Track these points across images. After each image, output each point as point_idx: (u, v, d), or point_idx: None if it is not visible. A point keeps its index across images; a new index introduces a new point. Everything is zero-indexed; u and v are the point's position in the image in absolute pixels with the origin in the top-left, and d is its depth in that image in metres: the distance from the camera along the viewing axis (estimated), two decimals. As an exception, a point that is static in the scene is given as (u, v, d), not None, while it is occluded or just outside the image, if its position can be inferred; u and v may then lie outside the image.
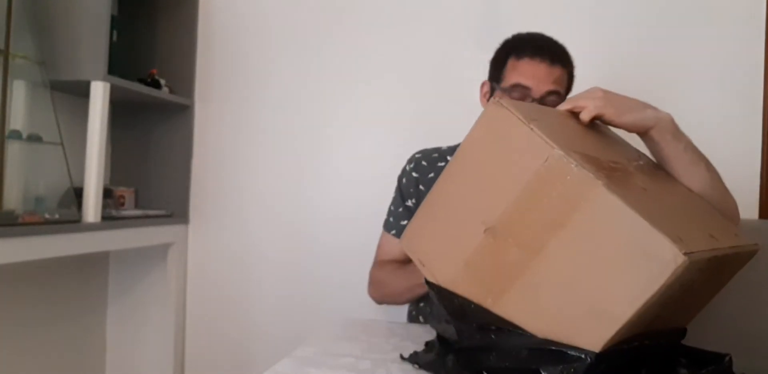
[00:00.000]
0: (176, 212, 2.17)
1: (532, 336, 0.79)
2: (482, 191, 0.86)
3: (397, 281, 1.42)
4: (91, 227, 1.74)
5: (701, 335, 1.62)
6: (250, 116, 2.18)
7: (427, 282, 0.94)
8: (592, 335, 0.74)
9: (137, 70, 2.02)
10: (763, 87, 1.84)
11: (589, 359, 0.74)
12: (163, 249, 2.16)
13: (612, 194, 0.72)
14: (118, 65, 1.84)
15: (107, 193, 1.90)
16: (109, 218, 1.84)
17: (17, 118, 1.65)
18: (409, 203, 1.47)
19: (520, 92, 1.30)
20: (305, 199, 2.12)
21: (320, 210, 2.09)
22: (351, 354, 1.01)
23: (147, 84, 1.99)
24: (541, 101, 1.30)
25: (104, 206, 1.81)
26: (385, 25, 2.07)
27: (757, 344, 1.60)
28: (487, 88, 1.43)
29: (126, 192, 2.08)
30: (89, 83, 1.75)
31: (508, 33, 1.48)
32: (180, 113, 2.18)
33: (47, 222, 1.61)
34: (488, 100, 1.39)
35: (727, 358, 0.88)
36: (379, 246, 1.52)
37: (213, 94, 2.21)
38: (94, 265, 2.18)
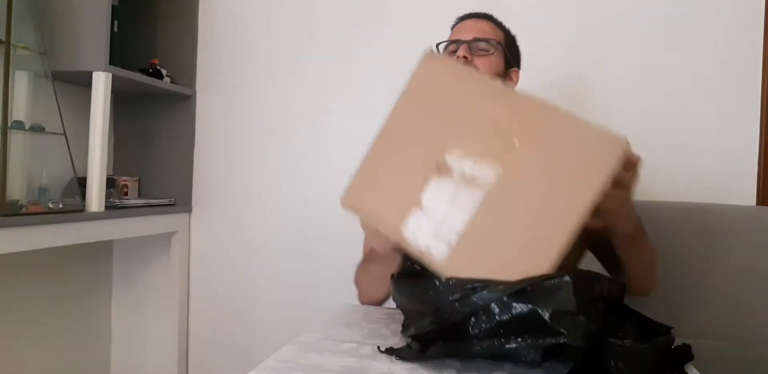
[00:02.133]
0: (179, 200, 2.18)
1: (502, 286, 0.81)
2: (427, 134, 0.90)
3: (368, 274, 1.40)
4: (95, 217, 1.75)
5: (704, 321, 1.64)
6: (252, 106, 2.19)
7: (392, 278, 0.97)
8: (552, 236, 0.79)
9: (139, 60, 2.03)
10: (761, 77, 1.84)
11: (567, 278, 0.79)
12: (166, 238, 2.18)
13: (557, 109, 0.82)
14: (119, 55, 1.84)
15: (110, 182, 1.91)
16: (113, 208, 1.86)
17: (20, 108, 1.66)
18: None
19: (452, 45, 1.40)
20: (306, 187, 2.14)
21: (320, 198, 2.10)
22: (352, 339, 1.03)
23: (148, 74, 2.00)
24: (470, 46, 1.37)
25: (107, 196, 1.83)
26: (383, 16, 2.08)
27: (758, 330, 1.62)
28: None
29: (129, 181, 2.09)
30: (91, 74, 1.76)
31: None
32: (182, 102, 2.19)
33: (51, 212, 1.62)
34: None
35: (672, 331, 0.90)
36: (364, 239, 1.50)
37: (214, 84, 2.22)
38: (99, 254, 2.19)
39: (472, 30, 1.43)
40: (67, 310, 2.04)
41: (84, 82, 1.79)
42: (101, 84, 1.76)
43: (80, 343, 2.12)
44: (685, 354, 0.94)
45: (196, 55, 2.21)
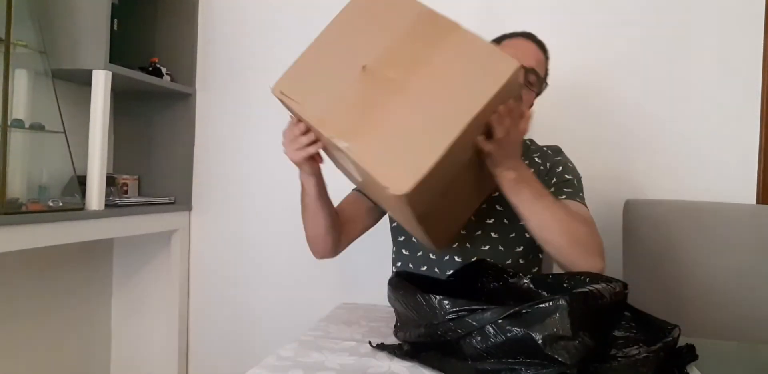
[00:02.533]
0: (179, 199, 2.18)
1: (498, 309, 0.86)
2: (359, 42, 1.03)
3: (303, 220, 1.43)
4: (95, 215, 1.75)
5: (704, 319, 1.64)
6: (251, 104, 2.19)
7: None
8: (443, 128, 0.91)
9: (138, 58, 2.03)
10: (762, 77, 1.85)
11: (562, 301, 0.83)
12: (166, 236, 2.18)
13: (467, 31, 0.96)
14: (119, 54, 1.84)
15: (110, 181, 1.91)
16: (113, 206, 1.86)
17: (19, 107, 1.66)
18: None
19: None
20: (307, 186, 2.13)
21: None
22: (352, 338, 1.03)
23: (148, 72, 2.00)
24: (524, 74, 1.35)
25: (108, 194, 1.83)
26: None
27: (758, 328, 1.62)
28: None
29: (129, 180, 2.09)
30: (91, 72, 1.76)
31: (502, 31, 1.50)
32: (181, 101, 2.18)
33: (51, 210, 1.62)
34: None
35: (676, 330, 0.91)
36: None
37: (214, 82, 2.22)
38: (99, 252, 2.20)
39: (533, 57, 1.41)
40: (67, 308, 2.04)
41: (84, 81, 1.79)
42: (101, 82, 1.76)
43: (80, 341, 2.12)
44: (689, 354, 0.94)
45: (196, 54, 2.21)
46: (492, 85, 0.92)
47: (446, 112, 0.92)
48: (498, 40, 1.46)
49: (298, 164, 1.21)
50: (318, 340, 1.01)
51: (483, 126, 1.01)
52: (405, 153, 0.92)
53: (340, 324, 1.13)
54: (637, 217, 1.75)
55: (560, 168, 1.43)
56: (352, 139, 0.95)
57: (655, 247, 1.72)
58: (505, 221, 1.38)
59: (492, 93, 0.92)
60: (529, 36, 1.44)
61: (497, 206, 1.38)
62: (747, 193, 1.85)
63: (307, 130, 1.09)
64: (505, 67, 0.91)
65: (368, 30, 1.02)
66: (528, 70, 1.37)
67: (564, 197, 1.36)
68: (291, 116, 1.14)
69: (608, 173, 1.89)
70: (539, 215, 1.18)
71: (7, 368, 1.82)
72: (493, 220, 1.39)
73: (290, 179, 2.15)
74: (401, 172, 0.90)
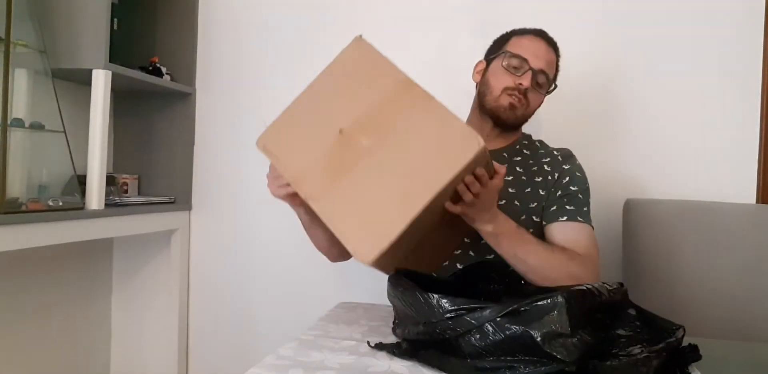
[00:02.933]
0: (179, 198, 2.18)
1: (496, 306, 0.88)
2: (339, 105, 1.09)
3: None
4: (95, 214, 1.75)
5: (704, 319, 1.64)
6: (251, 104, 2.19)
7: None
8: (408, 200, 0.96)
9: (138, 58, 2.03)
10: (762, 77, 1.85)
11: (560, 298, 0.84)
12: (166, 235, 2.18)
13: (439, 104, 1.00)
14: (119, 53, 1.84)
15: (110, 180, 1.91)
16: (113, 205, 1.86)
17: (19, 106, 1.65)
18: None
19: (519, 62, 1.39)
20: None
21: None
22: (352, 337, 1.03)
23: (148, 72, 2.00)
24: (534, 76, 1.38)
25: (107, 194, 1.83)
26: (384, 15, 2.07)
27: (758, 328, 1.62)
28: (482, 66, 1.50)
29: (129, 179, 2.09)
30: (91, 71, 1.76)
31: (503, 24, 1.50)
32: (181, 100, 2.18)
33: (51, 209, 1.62)
34: (481, 74, 1.48)
35: (680, 331, 0.91)
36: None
37: (214, 81, 2.22)
38: (99, 252, 2.20)
39: (543, 58, 1.42)
40: (67, 308, 2.04)
41: (84, 80, 1.79)
42: (101, 82, 1.76)
43: (80, 340, 2.12)
44: (692, 354, 0.94)
45: (196, 53, 2.21)
46: (456, 163, 0.97)
47: (412, 184, 0.97)
48: (507, 36, 1.47)
49: (282, 199, 1.25)
50: (318, 339, 1.02)
51: (452, 191, 1.07)
52: (372, 222, 0.98)
53: (340, 324, 1.13)
54: (637, 216, 1.75)
55: (567, 179, 1.43)
56: (323, 201, 1.02)
57: (655, 246, 1.71)
58: None
59: (456, 170, 0.97)
60: (540, 34, 1.44)
61: None
62: (747, 192, 1.85)
63: None
64: (470, 146, 0.96)
65: (350, 91, 1.08)
66: (538, 72, 1.39)
67: (565, 218, 1.37)
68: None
69: (608, 173, 1.89)
70: (523, 263, 1.22)
71: (7, 367, 1.82)
72: None
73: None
74: (367, 241, 0.97)
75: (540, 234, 1.39)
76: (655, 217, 1.74)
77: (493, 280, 1.22)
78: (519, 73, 1.38)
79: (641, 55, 1.90)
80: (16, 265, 1.83)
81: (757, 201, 1.84)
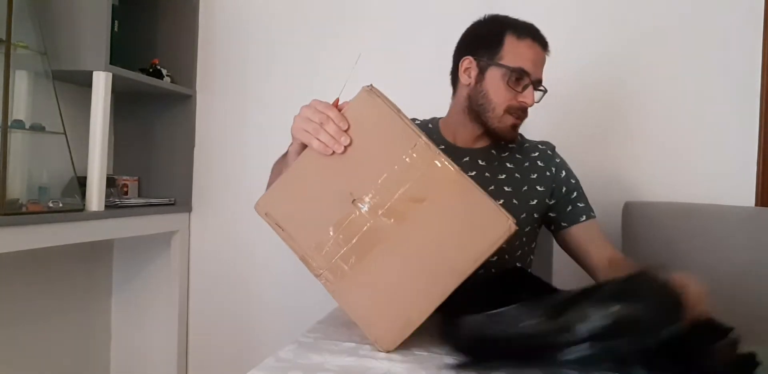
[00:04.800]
0: (179, 200, 2.18)
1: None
2: (352, 168, 0.96)
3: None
4: (95, 216, 1.75)
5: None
6: (251, 105, 2.19)
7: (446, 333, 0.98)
8: (435, 288, 0.91)
9: (139, 60, 2.03)
10: (761, 78, 1.85)
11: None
12: (166, 237, 2.18)
13: (465, 178, 0.91)
14: (119, 55, 1.84)
15: (110, 182, 1.91)
16: (113, 207, 1.86)
17: (20, 108, 1.66)
18: None
19: (520, 77, 1.29)
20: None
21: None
22: (351, 339, 1.03)
23: (149, 74, 2.00)
24: (535, 88, 1.32)
25: (108, 195, 1.83)
26: (385, 15, 2.08)
27: (757, 331, 1.62)
28: (470, 64, 1.35)
29: (129, 181, 2.09)
30: (91, 73, 1.76)
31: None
32: (182, 102, 2.19)
33: (51, 211, 1.63)
34: (473, 77, 1.34)
35: (733, 332, 0.91)
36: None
37: (214, 83, 2.22)
38: (99, 253, 2.20)
39: (541, 65, 1.33)
40: (67, 309, 2.04)
41: (84, 82, 1.79)
42: (101, 84, 1.76)
43: (80, 342, 2.12)
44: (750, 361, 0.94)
45: (196, 55, 2.21)
46: (485, 249, 0.90)
47: (437, 271, 0.91)
48: (500, 33, 1.32)
49: (296, 141, 1.04)
50: (317, 342, 1.02)
51: None
52: (393, 309, 0.93)
53: (339, 326, 1.13)
54: (636, 219, 1.75)
55: (564, 173, 1.44)
56: (339, 283, 0.96)
57: (654, 249, 1.71)
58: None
59: (484, 258, 0.90)
60: (536, 37, 1.32)
61: None
62: (746, 195, 1.86)
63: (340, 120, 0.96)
64: (501, 230, 0.89)
65: (362, 152, 0.95)
66: (537, 82, 1.32)
67: (584, 217, 1.40)
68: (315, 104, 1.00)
69: (607, 175, 1.89)
70: None
71: (7, 369, 1.82)
72: None
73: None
74: (388, 330, 0.93)
75: (535, 229, 1.43)
76: (654, 220, 1.74)
77: (522, 288, 1.17)
78: (520, 89, 1.29)
79: (639, 57, 1.90)
80: (16, 266, 1.83)
81: (756, 204, 1.84)
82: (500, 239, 0.89)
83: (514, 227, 0.89)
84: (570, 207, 1.42)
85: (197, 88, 2.21)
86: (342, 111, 0.96)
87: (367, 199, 0.94)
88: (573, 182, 1.44)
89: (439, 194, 0.92)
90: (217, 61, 2.22)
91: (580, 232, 1.40)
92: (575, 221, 1.41)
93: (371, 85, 0.96)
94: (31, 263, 1.88)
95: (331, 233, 0.95)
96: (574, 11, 1.94)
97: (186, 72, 2.18)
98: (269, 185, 1.25)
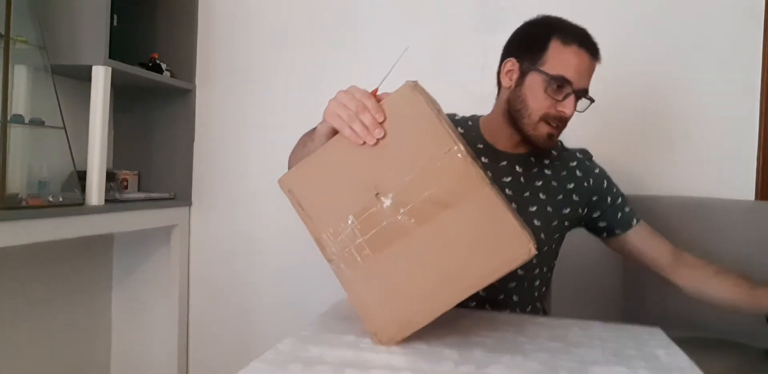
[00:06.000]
0: (179, 194, 2.18)
1: None
2: (381, 161, 0.93)
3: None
4: (95, 210, 1.75)
5: (700, 313, 1.64)
6: (251, 100, 2.19)
7: None
8: (443, 295, 0.91)
9: (138, 54, 2.03)
10: (761, 73, 1.85)
11: None
12: (166, 231, 2.18)
13: (494, 193, 0.88)
14: (119, 50, 1.84)
15: (110, 176, 1.91)
16: (113, 201, 1.86)
17: (19, 102, 1.66)
18: None
19: (560, 85, 1.23)
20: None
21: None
22: (351, 332, 1.03)
23: (148, 68, 2.00)
24: (576, 98, 1.26)
25: (107, 189, 1.83)
26: (385, 11, 2.07)
27: (754, 323, 1.62)
28: (512, 67, 1.30)
29: (129, 175, 2.09)
30: (90, 67, 1.76)
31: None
32: (181, 96, 2.18)
33: (51, 205, 1.63)
34: (513, 80, 1.30)
35: None
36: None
37: (214, 78, 2.22)
38: (99, 247, 2.20)
39: (587, 75, 1.27)
40: (67, 303, 2.05)
41: (83, 76, 1.79)
42: (101, 78, 1.76)
43: (81, 336, 2.13)
44: None
45: (196, 50, 2.21)
46: (501, 268, 0.89)
47: (449, 280, 0.91)
48: (546, 37, 1.26)
49: (327, 124, 0.97)
50: (317, 335, 1.02)
51: None
52: (397, 308, 0.94)
53: (339, 319, 1.13)
54: (636, 212, 1.75)
55: (606, 183, 1.44)
56: (348, 272, 0.96)
57: (654, 243, 1.72)
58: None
59: (499, 275, 0.89)
60: (585, 44, 1.26)
61: None
62: (746, 189, 1.86)
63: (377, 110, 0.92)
64: (520, 252, 0.87)
65: (394, 148, 0.92)
66: (580, 91, 1.26)
67: (635, 221, 1.42)
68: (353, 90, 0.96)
69: (607, 169, 1.89)
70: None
71: (8, 363, 1.83)
72: None
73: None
74: (389, 326, 0.94)
75: (563, 236, 1.42)
76: (654, 213, 1.74)
77: None
78: (560, 98, 1.24)
79: (641, 51, 1.90)
80: (17, 261, 1.83)
81: (756, 198, 1.84)
82: (517, 261, 0.87)
83: (533, 252, 0.86)
84: (620, 215, 1.42)
85: (197, 83, 2.21)
86: (380, 102, 0.93)
87: (391, 195, 0.92)
88: (615, 190, 1.44)
89: (465, 203, 0.89)
90: (217, 55, 2.22)
91: (634, 236, 1.41)
92: (627, 227, 1.41)
93: (416, 81, 0.93)
94: (32, 258, 1.89)
95: (350, 221, 0.94)
96: (567, 6, 1.93)
97: (186, 66, 2.17)
98: (291, 159, 1.26)
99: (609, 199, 1.43)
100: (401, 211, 0.92)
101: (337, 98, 0.96)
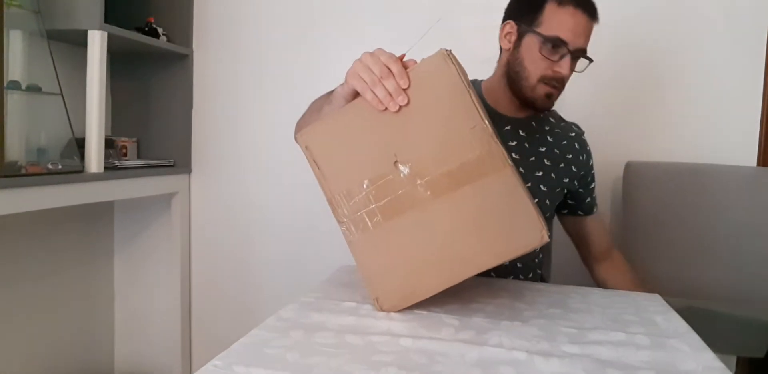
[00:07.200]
0: (178, 161, 2.18)
1: None
2: (403, 129, 0.91)
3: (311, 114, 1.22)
4: (95, 177, 1.75)
5: (702, 279, 1.66)
6: (249, 65, 2.16)
7: None
8: (450, 271, 0.91)
9: (134, 18, 1.99)
10: (766, 37, 1.82)
11: None
12: (166, 199, 2.19)
13: (515, 176, 0.87)
14: (114, 13, 1.81)
15: (109, 143, 1.90)
16: (112, 168, 1.86)
17: (15, 68, 1.63)
18: None
19: (556, 45, 1.23)
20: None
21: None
22: (352, 299, 1.04)
23: (144, 33, 1.97)
24: (573, 58, 1.25)
25: (106, 157, 1.82)
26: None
27: (756, 289, 1.64)
28: (511, 29, 1.30)
29: (128, 142, 2.08)
30: (86, 32, 1.73)
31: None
32: (179, 62, 2.16)
33: (50, 173, 1.62)
34: (512, 43, 1.30)
35: None
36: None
37: (211, 42, 2.19)
38: (99, 215, 2.20)
39: (583, 34, 1.25)
40: (69, 270, 2.06)
41: (79, 42, 1.77)
42: (97, 43, 1.74)
43: (84, 302, 2.15)
44: None
45: (192, 14, 2.17)
46: (512, 251, 0.90)
47: (457, 257, 0.91)
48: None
49: (349, 86, 0.95)
50: (318, 301, 1.02)
51: None
52: (402, 277, 0.94)
53: (341, 286, 1.13)
54: (637, 178, 1.75)
55: (591, 162, 1.47)
56: (357, 236, 0.95)
57: (655, 208, 1.72)
58: None
59: (508, 258, 0.92)
60: (579, 3, 1.24)
61: None
62: (748, 155, 1.85)
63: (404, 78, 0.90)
64: (532, 239, 0.87)
65: (418, 115, 0.90)
66: (576, 51, 1.25)
67: (595, 209, 1.50)
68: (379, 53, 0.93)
69: (609, 135, 1.88)
70: None
71: (11, 329, 1.85)
72: None
73: (290, 140, 2.14)
74: (390, 293, 0.95)
75: (558, 205, 1.46)
76: (655, 179, 1.74)
77: None
78: (556, 58, 1.24)
79: (646, 16, 1.87)
80: (17, 228, 1.84)
81: (758, 164, 1.84)
82: (528, 246, 0.88)
83: (546, 239, 0.87)
84: (588, 199, 1.47)
85: (194, 48, 2.18)
86: (407, 69, 0.90)
87: (409, 164, 0.91)
88: (593, 173, 1.48)
89: (484, 182, 0.88)
90: (214, 19, 2.18)
91: (590, 223, 1.49)
92: (589, 212, 1.48)
93: (450, 50, 0.89)
94: (32, 225, 1.89)
95: (365, 186, 0.93)
96: None
97: (182, 31, 2.14)
98: (300, 124, 1.25)
99: (589, 180, 1.46)
100: (418, 182, 0.91)
101: (362, 59, 0.93)
